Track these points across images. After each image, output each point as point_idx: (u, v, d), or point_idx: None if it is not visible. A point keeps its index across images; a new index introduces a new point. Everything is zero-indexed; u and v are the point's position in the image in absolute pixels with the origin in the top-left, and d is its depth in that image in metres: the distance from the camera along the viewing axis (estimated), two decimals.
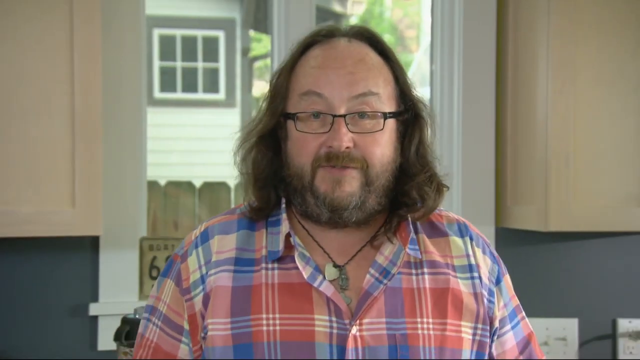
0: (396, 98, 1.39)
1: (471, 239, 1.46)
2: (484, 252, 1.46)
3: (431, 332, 1.33)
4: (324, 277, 1.35)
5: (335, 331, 1.31)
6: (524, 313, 1.49)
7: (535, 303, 2.54)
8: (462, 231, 1.47)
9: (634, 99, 2.22)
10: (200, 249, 1.41)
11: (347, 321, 1.31)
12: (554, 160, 2.20)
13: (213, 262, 1.39)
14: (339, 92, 1.32)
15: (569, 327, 2.55)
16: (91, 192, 2.02)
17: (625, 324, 2.57)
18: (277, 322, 1.32)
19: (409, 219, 1.40)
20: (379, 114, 1.34)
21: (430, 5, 2.64)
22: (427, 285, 1.37)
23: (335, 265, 1.38)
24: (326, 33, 1.40)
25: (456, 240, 1.44)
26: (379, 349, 1.31)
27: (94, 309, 2.32)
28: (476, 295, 1.39)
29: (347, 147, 1.31)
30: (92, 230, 2.02)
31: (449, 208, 2.59)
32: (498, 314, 1.42)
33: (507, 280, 1.47)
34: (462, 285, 1.39)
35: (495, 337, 1.42)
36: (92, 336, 2.34)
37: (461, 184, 2.54)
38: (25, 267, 2.30)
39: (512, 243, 2.55)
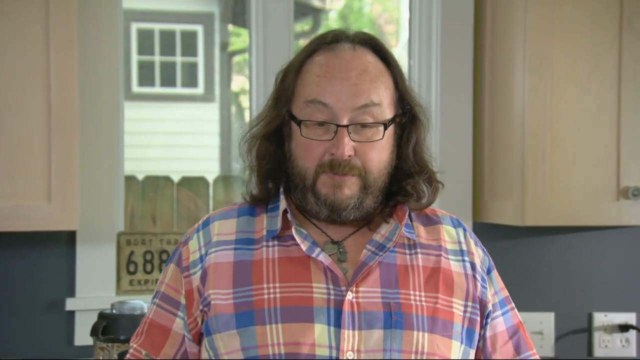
0: (395, 102, 1.46)
1: (464, 231, 1.56)
2: (476, 244, 1.55)
3: (424, 303, 1.41)
4: (321, 250, 1.43)
5: (332, 297, 1.39)
6: (513, 304, 1.57)
7: (512, 297, 2.55)
8: (455, 223, 1.56)
9: (609, 93, 2.23)
10: (201, 232, 1.51)
11: (343, 288, 1.39)
12: (530, 155, 2.21)
13: (213, 242, 1.47)
14: (343, 103, 1.40)
15: (545, 321, 2.56)
16: (68, 186, 2.01)
17: (600, 318, 2.58)
18: (277, 290, 1.40)
19: (406, 207, 1.49)
20: (380, 124, 1.42)
21: (408, 0, 2.64)
22: (420, 263, 1.45)
23: (333, 242, 1.47)
24: (331, 39, 1.47)
25: (449, 228, 1.54)
26: (375, 314, 1.38)
27: (70, 304, 2.31)
28: (467, 276, 1.48)
29: (349, 155, 1.39)
30: (69, 225, 2.01)
31: None
32: (490, 299, 1.51)
33: (496, 273, 1.57)
34: (453, 266, 1.48)
35: (489, 320, 1.51)
36: (68, 331, 2.33)
37: (439, 179, 2.54)
38: (1, 262, 2.29)
39: (489, 238, 2.56)
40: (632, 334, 2.59)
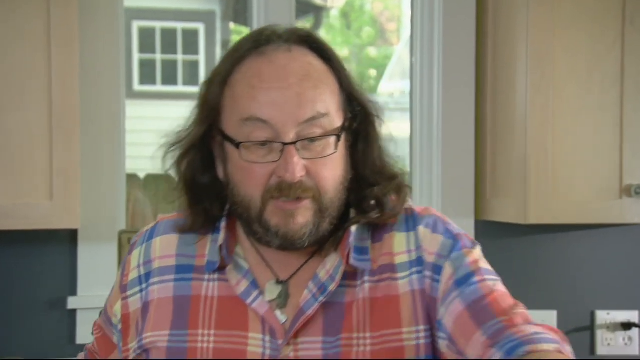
0: (343, 106, 1.28)
1: (417, 225, 1.31)
2: (434, 231, 1.30)
3: (367, 347, 1.24)
4: (260, 293, 1.27)
5: (267, 351, 1.24)
6: (487, 277, 1.26)
7: (514, 295, 2.54)
8: (409, 224, 1.32)
9: (612, 91, 2.22)
10: (144, 246, 1.38)
11: (280, 341, 1.24)
12: (533, 153, 2.21)
13: (155, 270, 1.34)
14: (287, 117, 1.20)
15: (548, 319, 2.56)
16: (69, 184, 2.00)
17: (603, 316, 2.58)
18: (212, 338, 1.26)
19: (352, 229, 1.28)
20: (331, 135, 1.23)
21: None
22: (367, 295, 1.26)
23: (279, 281, 1.30)
24: (265, 41, 1.26)
25: (400, 236, 1.31)
26: None
27: (72, 303, 2.31)
28: (414, 293, 1.26)
29: (300, 176, 1.21)
30: (70, 223, 2.01)
31: (429, 201, 2.59)
32: (442, 289, 1.25)
33: (470, 253, 1.28)
34: (401, 287, 1.27)
35: (445, 311, 1.24)
36: (70, 330, 2.33)
37: (441, 176, 2.54)
38: (2, 261, 2.29)
39: (492, 236, 2.56)
40: (635, 332, 2.58)
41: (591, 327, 2.59)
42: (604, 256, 2.61)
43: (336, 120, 1.24)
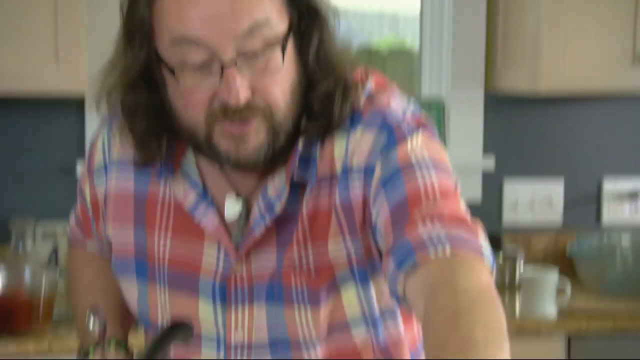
0: (287, 6, 1.12)
1: (357, 124, 1.17)
2: (368, 127, 1.16)
3: (304, 265, 1.17)
4: (210, 204, 1.19)
5: (220, 269, 1.18)
6: (426, 170, 1.10)
7: (523, 165, 2.57)
8: (353, 124, 1.17)
9: None
10: (106, 134, 1.27)
11: (232, 258, 1.18)
12: (546, 20, 2.18)
13: (115, 161, 1.25)
14: (222, 33, 1.05)
15: (555, 187, 2.57)
16: (74, 48, 2.01)
17: (610, 186, 2.59)
18: (168, 245, 1.20)
19: (299, 143, 1.16)
20: (275, 45, 1.09)
21: None
22: (307, 209, 1.17)
23: (238, 195, 1.20)
24: None
25: (340, 142, 1.18)
26: (260, 289, 1.18)
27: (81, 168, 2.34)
28: (339, 205, 1.16)
29: (245, 98, 1.08)
30: (76, 85, 2.01)
31: (439, 71, 2.57)
32: (372, 191, 1.14)
33: (404, 143, 1.14)
34: (338, 196, 1.16)
35: (377, 215, 1.13)
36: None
37: (452, 46, 2.51)
38: (15, 128, 2.33)
39: (502, 108, 2.55)
40: None
41: (598, 196, 2.61)
42: (614, 127, 2.61)
43: (279, 25, 1.09)
